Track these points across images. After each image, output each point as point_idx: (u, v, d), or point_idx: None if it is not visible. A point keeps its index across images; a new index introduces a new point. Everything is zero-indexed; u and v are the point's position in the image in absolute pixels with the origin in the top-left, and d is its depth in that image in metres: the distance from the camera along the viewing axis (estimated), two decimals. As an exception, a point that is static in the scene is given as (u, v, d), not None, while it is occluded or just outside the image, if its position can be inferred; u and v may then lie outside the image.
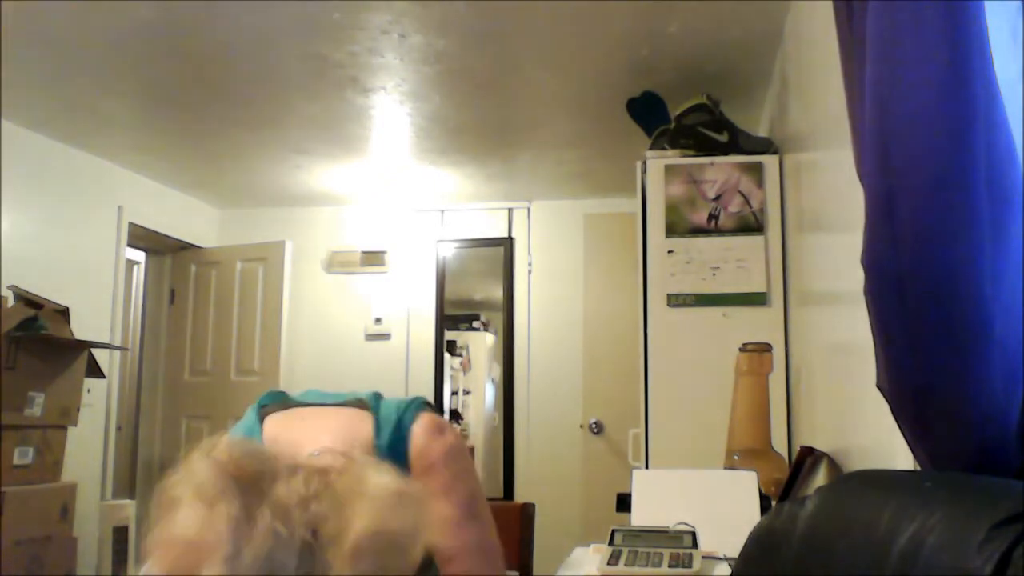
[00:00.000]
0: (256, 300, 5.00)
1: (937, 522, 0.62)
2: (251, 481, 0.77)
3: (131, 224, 4.53)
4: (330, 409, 1.22)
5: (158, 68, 3.15)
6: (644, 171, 2.88)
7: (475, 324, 5.53)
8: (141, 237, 4.83)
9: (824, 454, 1.93)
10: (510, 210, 5.17)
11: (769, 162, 2.80)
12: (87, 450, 4.14)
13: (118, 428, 4.69)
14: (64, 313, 3.58)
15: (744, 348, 2.15)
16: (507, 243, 5.14)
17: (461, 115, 3.65)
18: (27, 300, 3.46)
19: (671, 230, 2.79)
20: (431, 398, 5.02)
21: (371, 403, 1.21)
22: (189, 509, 0.75)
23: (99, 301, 4.29)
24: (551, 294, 5.05)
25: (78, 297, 3.96)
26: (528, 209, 5.15)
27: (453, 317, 5.30)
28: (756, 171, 2.79)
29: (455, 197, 5.09)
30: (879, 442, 1.41)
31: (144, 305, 5.32)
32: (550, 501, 4.55)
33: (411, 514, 0.79)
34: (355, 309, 5.22)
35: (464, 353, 5.55)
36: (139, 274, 5.43)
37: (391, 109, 3.58)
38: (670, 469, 2.50)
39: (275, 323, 4.92)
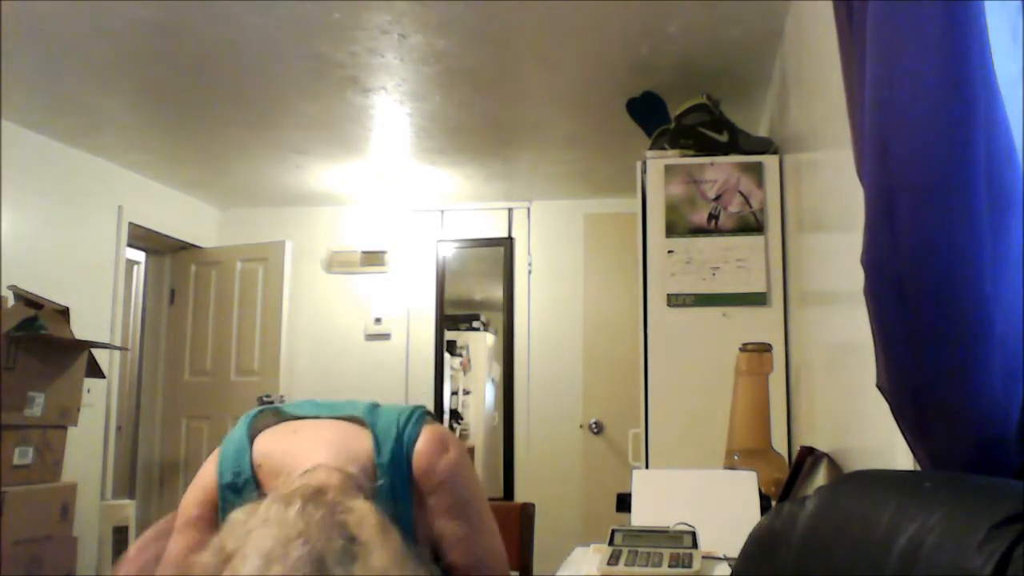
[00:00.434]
0: (256, 300, 5.00)
1: (937, 522, 0.62)
2: None
3: (131, 224, 4.53)
4: (325, 422, 1.19)
5: (158, 68, 3.15)
6: (644, 171, 2.88)
7: (475, 324, 5.53)
8: (141, 237, 4.83)
9: (824, 454, 1.93)
10: (510, 210, 5.17)
11: (769, 162, 2.80)
12: (87, 450, 4.14)
13: (118, 428, 4.69)
14: (64, 313, 3.58)
15: (744, 348, 2.15)
16: (507, 243, 5.14)
17: (461, 115, 3.65)
18: (27, 300, 3.46)
19: (671, 230, 2.79)
20: (431, 398, 5.03)
21: (367, 418, 1.18)
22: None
23: (99, 301, 4.29)
24: (551, 294, 5.05)
25: (78, 297, 3.96)
26: (528, 209, 5.15)
27: (453, 317, 5.30)
28: (756, 171, 2.79)
29: (455, 197, 5.09)
30: (879, 442, 1.41)
31: (144, 305, 5.32)
32: (550, 501, 4.55)
33: None
34: (355, 309, 5.22)
35: (464, 353, 5.55)
36: (139, 274, 5.43)
37: (391, 109, 3.58)
38: (670, 469, 2.50)
39: (275, 323, 4.92)
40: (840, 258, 1.76)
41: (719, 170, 2.80)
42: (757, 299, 2.71)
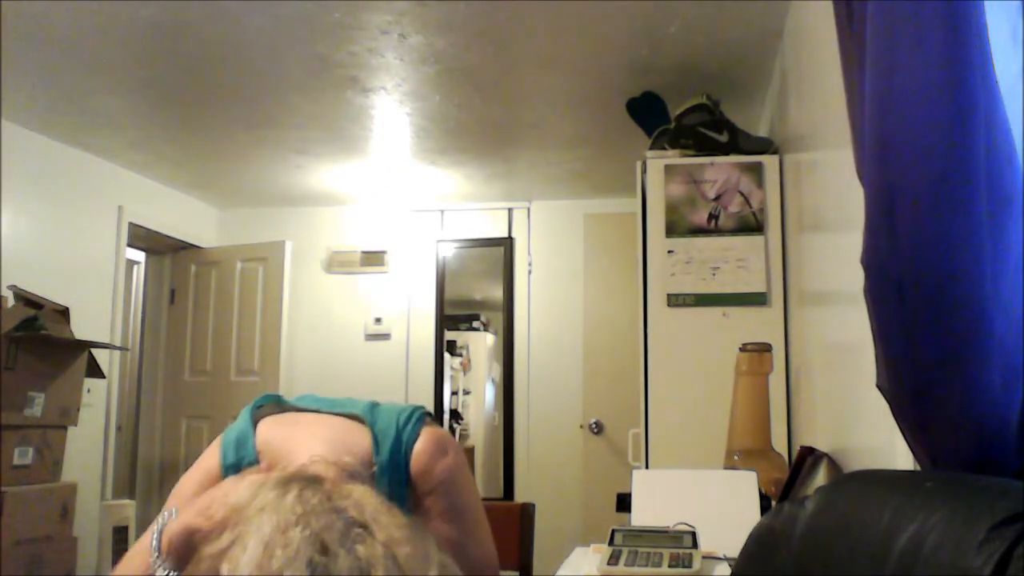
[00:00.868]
0: (256, 300, 5.00)
1: (937, 522, 0.62)
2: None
3: (131, 224, 4.53)
4: (325, 416, 1.19)
5: (158, 68, 3.15)
6: (644, 171, 2.89)
7: (475, 324, 5.53)
8: (141, 237, 4.83)
9: (824, 454, 1.92)
10: (510, 210, 5.17)
11: (769, 162, 2.80)
12: (87, 450, 4.14)
13: (118, 428, 4.69)
14: (64, 313, 3.58)
15: (744, 348, 2.15)
16: (507, 243, 5.14)
17: (461, 115, 3.65)
18: (27, 300, 3.46)
19: (671, 230, 2.79)
20: (431, 398, 5.03)
21: (367, 416, 1.18)
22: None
23: (99, 301, 4.29)
24: (551, 294, 5.05)
25: (78, 297, 3.96)
26: (528, 209, 5.15)
27: (453, 317, 5.31)
28: (756, 171, 2.79)
29: (455, 197, 5.09)
30: (879, 442, 1.41)
31: (144, 305, 5.32)
32: (550, 501, 4.56)
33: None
34: (355, 309, 5.22)
35: (464, 353, 5.55)
36: (139, 274, 5.43)
37: (391, 109, 3.58)
38: (670, 469, 2.50)
39: (275, 323, 4.93)
40: (840, 258, 1.76)
41: (719, 170, 2.80)
42: (757, 299, 2.71)
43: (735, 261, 2.74)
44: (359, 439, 1.15)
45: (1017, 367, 0.77)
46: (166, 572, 0.85)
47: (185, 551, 0.82)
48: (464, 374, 5.57)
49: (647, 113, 3.23)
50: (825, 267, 2.02)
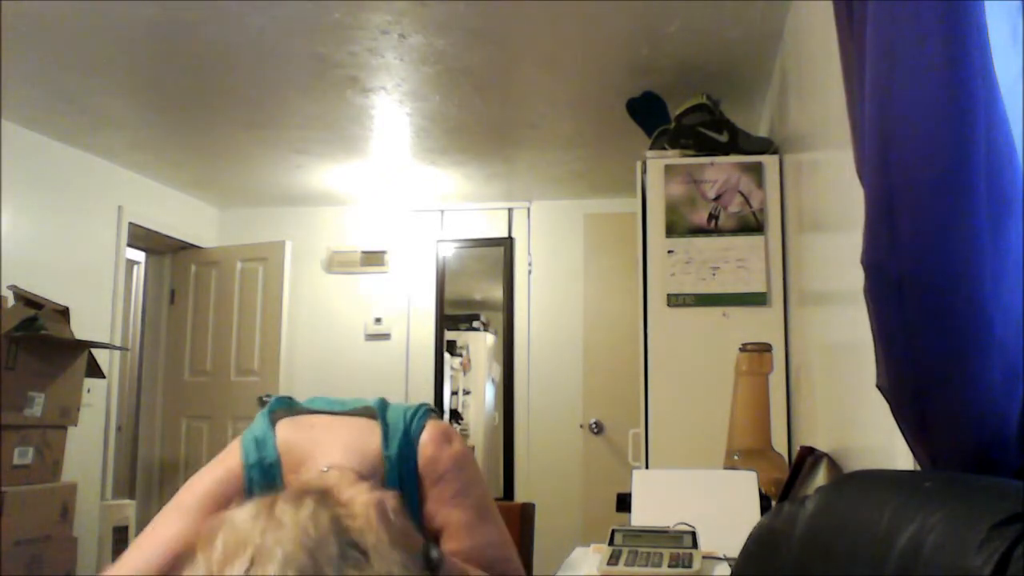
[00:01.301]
0: (256, 300, 5.00)
1: (937, 522, 0.62)
2: None
3: (131, 224, 4.53)
4: (339, 419, 1.22)
5: (158, 68, 3.15)
6: (644, 171, 2.88)
7: (475, 324, 5.53)
8: (141, 237, 4.83)
9: (824, 454, 1.92)
10: (510, 210, 5.17)
11: (769, 162, 2.80)
12: (87, 450, 4.14)
13: (118, 428, 4.69)
14: (64, 313, 3.58)
15: (744, 348, 2.15)
16: (507, 243, 5.14)
17: (461, 115, 3.65)
18: (27, 300, 3.46)
19: (671, 230, 2.78)
20: (431, 398, 5.03)
21: (379, 409, 1.21)
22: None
23: (99, 301, 4.29)
24: (551, 294, 5.05)
25: (78, 297, 3.96)
26: (528, 209, 5.15)
27: (453, 317, 5.30)
28: (756, 171, 2.79)
29: (455, 197, 5.09)
30: (879, 442, 1.41)
31: (144, 305, 5.32)
32: (550, 501, 4.55)
33: None
34: (355, 309, 5.22)
35: (464, 353, 5.55)
36: (139, 274, 5.43)
37: (391, 109, 3.58)
38: (670, 469, 2.50)
39: (275, 323, 4.93)
40: (840, 258, 1.76)
41: (719, 170, 2.80)
42: (757, 299, 2.71)
43: (735, 261, 2.74)
44: (371, 438, 1.18)
45: (1017, 367, 0.77)
46: None
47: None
48: (464, 374, 5.57)
49: (647, 113, 3.23)
50: (825, 267, 2.02)
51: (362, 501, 0.87)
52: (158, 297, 5.27)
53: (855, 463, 1.63)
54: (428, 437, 1.18)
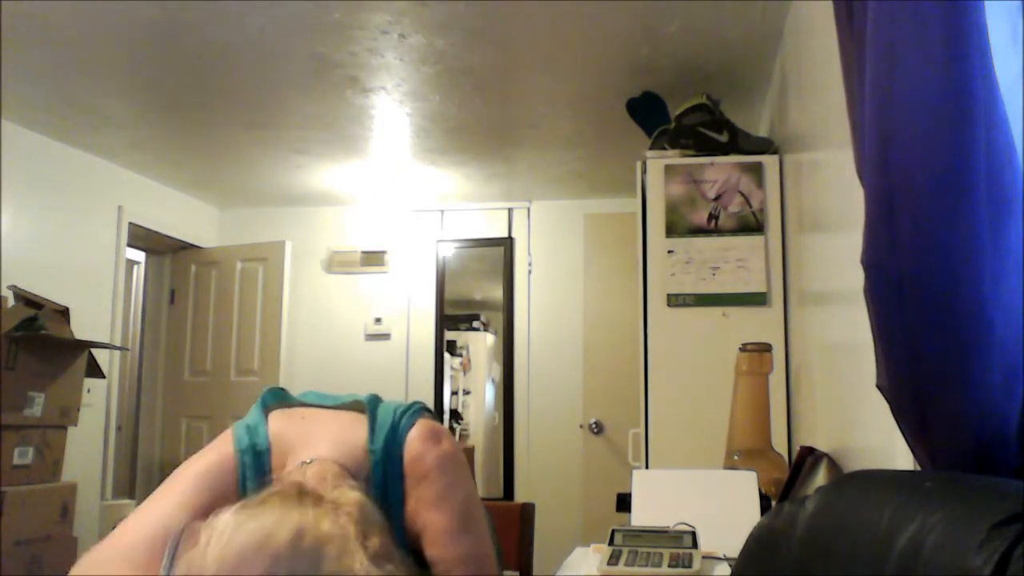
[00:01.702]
0: (256, 300, 5.00)
1: (937, 522, 0.62)
2: None
3: (131, 224, 4.53)
4: (329, 412, 1.21)
5: (158, 68, 3.15)
6: (644, 171, 2.88)
7: (475, 324, 5.53)
8: (141, 237, 4.83)
9: (824, 454, 1.92)
10: (510, 210, 5.17)
11: (769, 162, 2.80)
12: (87, 450, 4.14)
13: (118, 428, 4.69)
14: (64, 313, 3.58)
15: (744, 348, 2.15)
16: (507, 243, 5.14)
17: (461, 115, 3.65)
18: (27, 300, 3.46)
19: (671, 230, 2.79)
20: (431, 398, 5.03)
21: (368, 405, 1.20)
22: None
23: (99, 301, 4.29)
24: (551, 294, 5.06)
25: (78, 297, 3.97)
26: (528, 209, 5.15)
27: (453, 317, 5.30)
28: (756, 171, 2.79)
29: (455, 197, 5.09)
30: (879, 442, 1.41)
31: (144, 305, 5.32)
32: (550, 501, 4.56)
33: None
34: (355, 309, 5.22)
35: (464, 353, 5.55)
36: (139, 274, 5.43)
37: (391, 109, 3.58)
38: (670, 469, 2.50)
39: (275, 323, 4.93)
40: (840, 258, 1.76)
41: (719, 170, 2.80)
42: (757, 299, 2.71)
43: (735, 261, 2.74)
44: (358, 432, 1.16)
45: (1017, 367, 0.77)
46: None
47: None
48: (464, 374, 5.57)
49: (647, 113, 3.22)
50: (825, 267, 2.02)
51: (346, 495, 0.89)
52: (158, 297, 5.27)
53: (855, 463, 1.63)
54: (416, 434, 1.15)
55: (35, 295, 3.51)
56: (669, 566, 1.41)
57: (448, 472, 1.14)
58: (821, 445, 1.98)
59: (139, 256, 5.32)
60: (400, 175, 4.63)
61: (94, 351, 3.72)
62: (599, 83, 3.26)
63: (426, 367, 5.11)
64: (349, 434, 1.16)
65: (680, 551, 1.45)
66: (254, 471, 1.12)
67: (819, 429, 2.12)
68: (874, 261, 0.86)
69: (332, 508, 0.89)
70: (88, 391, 3.91)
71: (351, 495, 0.91)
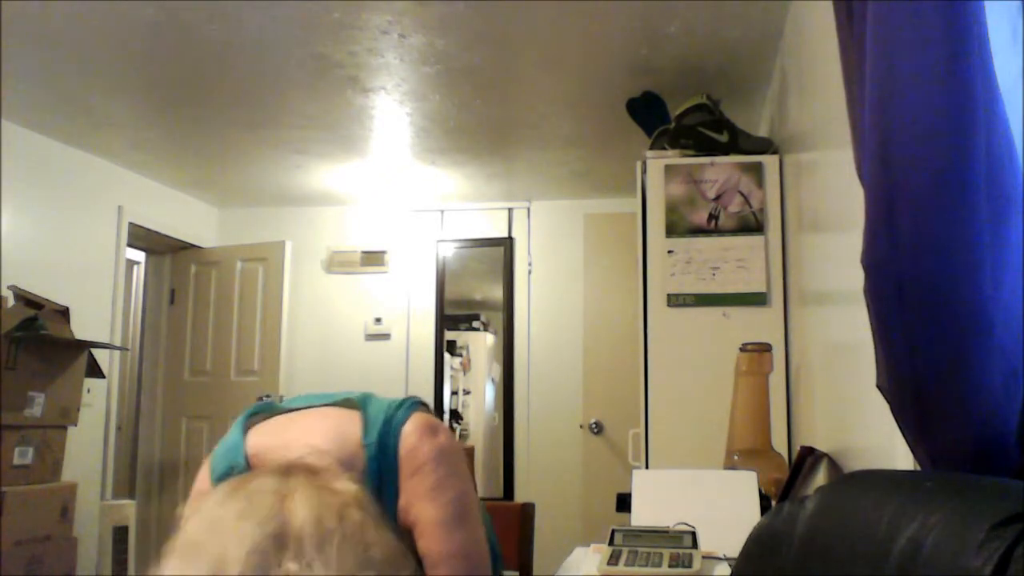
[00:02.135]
0: (256, 300, 5.00)
1: (937, 522, 0.62)
2: None
3: (131, 224, 4.53)
4: (319, 410, 1.19)
5: (158, 68, 3.15)
6: (644, 171, 2.88)
7: (475, 324, 5.53)
8: (141, 237, 4.83)
9: (824, 454, 1.93)
10: (510, 210, 5.17)
11: (769, 162, 2.80)
12: (87, 450, 4.14)
13: (118, 428, 4.69)
14: (64, 313, 3.58)
15: (744, 348, 2.15)
16: (507, 243, 5.14)
17: (461, 115, 3.65)
18: (27, 300, 3.46)
19: (671, 230, 2.79)
20: (431, 398, 5.03)
21: (359, 402, 1.18)
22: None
23: (99, 301, 4.29)
24: (551, 294, 5.06)
25: (78, 297, 3.97)
26: (528, 209, 5.15)
27: (453, 317, 5.30)
28: (756, 171, 2.79)
29: (455, 197, 5.09)
30: (879, 442, 1.41)
31: (144, 305, 5.32)
32: (550, 501, 4.56)
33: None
34: (355, 309, 5.22)
35: (464, 353, 5.55)
36: (139, 274, 5.43)
37: (391, 109, 3.58)
38: (670, 469, 2.50)
39: (275, 323, 4.93)
40: (840, 258, 1.76)
41: (719, 170, 2.80)
42: (757, 299, 2.71)
43: (735, 261, 2.74)
44: (351, 426, 1.14)
45: (1017, 367, 0.77)
46: None
47: None
48: (464, 374, 5.57)
49: (647, 113, 3.23)
50: (825, 267, 2.02)
51: (343, 484, 0.86)
52: (158, 297, 5.27)
53: (855, 463, 1.63)
54: (411, 427, 1.13)
55: (35, 295, 3.51)
56: (669, 566, 1.41)
57: (443, 465, 1.12)
58: (821, 445, 1.98)
59: (139, 256, 5.32)
60: (400, 175, 4.63)
61: (94, 351, 3.72)
62: (599, 83, 3.26)
63: (426, 367, 5.11)
64: (342, 429, 1.13)
65: (680, 551, 1.45)
66: None
67: (819, 429, 2.12)
68: (874, 261, 0.86)
69: (326, 485, 0.85)
70: (88, 391, 3.91)
71: (349, 486, 0.87)
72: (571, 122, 3.76)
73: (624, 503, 1.76)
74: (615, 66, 3.09)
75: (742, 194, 2.78)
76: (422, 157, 4.29)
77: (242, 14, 2.68)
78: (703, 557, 1.45)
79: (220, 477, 1.10)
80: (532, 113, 3.65)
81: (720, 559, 1.52)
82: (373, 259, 5.24)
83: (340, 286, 5.27)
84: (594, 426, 4.86)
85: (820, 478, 1.92)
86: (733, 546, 1.04)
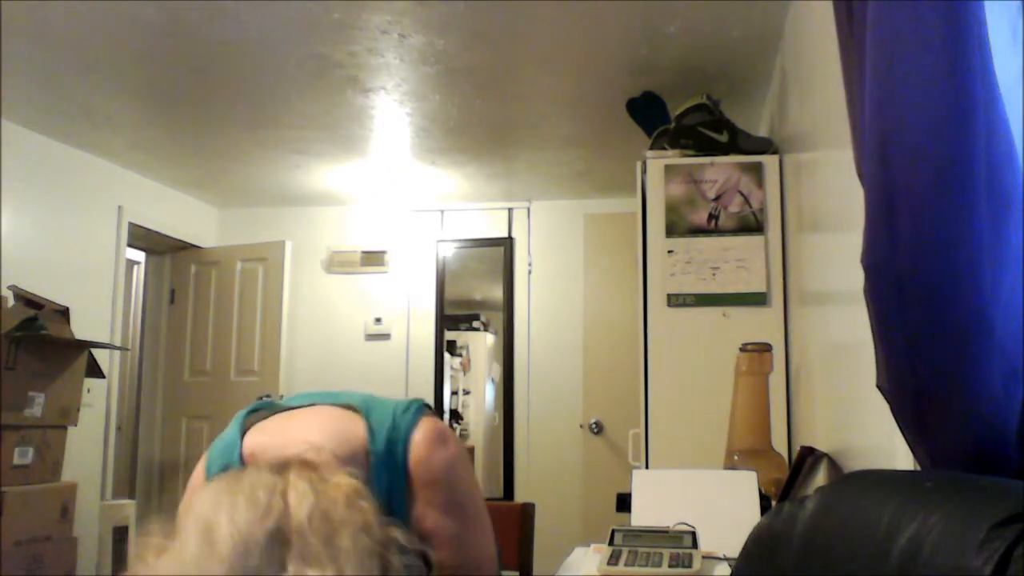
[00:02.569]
0: (256, 300, 5.00)
1: (937, 522, 0.62)
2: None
3: (131, 224, 4.53)
4: (317, 409, 1.17)
5: (158, 68, 3.15)
6: (644, 171, 2.88)
7: (475, 324, 5.53)
8: (141, 237, 4.83)
9: (824, 454, 1.93)
10: (510, 210, 5.17)
11: (769, 162, 2.80)
12: (87, 450, 4.14)
13: (118, 428, 4.69)
14: (64, 313, 3.58)
15: (744, 348, 2.15)
16: (507, 243, 5.14)
17: (461, 115, 3.65)
18: (27, 300, 3.46)
19: (671, 230, 2.79)
20: (431, 398, 5.03)
21: (361, 406, 1.15)
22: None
23: (99, 301, 4.29)
24: (551, 294, 5.06)
25: (78, 297, 3.96)
26: (528, 209, 5.15)
27: (453, 317, 5.30)
28: (756, 171, 2.79)
29: (455, 197, 5.09)
30: (879, 442, 1.41)
31: (144, 305, 5.32)
32: (550, 501, 4.55)
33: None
34: (355, 309, 5.22)
35: (464, 353, 5.55)
36: (139, 274, 5.43)
37: (391, 109, 3.58)
38: (670, 469, 2.50)
39: (275, 323, 4.93)
40: (840, 258, 1.76)
41: (719, 170, 2.80)
42: (757, 299, 2.71)
43: (735, 261, 2.74)
44: (355, 428, 1.12)
45: (1017, 367, 0.77)
46: None
47: None
48: (464, 374, 5.57)
49: (647, 113, 3.23)
50: (825, 267, 2.02)
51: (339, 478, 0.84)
52: (158, 297, 5.27)
53: (855, 463, 1.63)
54: (421, 436, 1.12)
55: (35, 295, 3.51)
56: (669, 566, 1.41)
57: (458, 476, 1.13)
58: (821, 445, 1.98)
59: (139, 256, 5.32)
60: (400, 175, 4.63)
61: (94, 351, 3.72)
62: (599, 83, 3.26)
63: (426, 367, 5.11)
64: (343, 428, 1.12)
65: (680, 551, 1.45)
66: None
67: (819, 429, 2.12)
68: (874, 261, 0.86)
69: (326, 479, 0.82)
70: (88, 391, 3.91)
71: (350, 479, 0.84)
72: (571, 122, 3.76)
73: (624, 503, 1.76)
74: (615, 66, 3.09)
75: (742, 194, 2.78)
76: (422, 157, 4.29)
77: (242, 14, 2.68)
78: (703, 557, 1.45)
79: (213, 475, 1.08)
80: (532, 113, 3.65)
81: (720, 559, 1.52)
82: (373, 259, 5.24)
83: (340, 286, 5.27)
84: (594, 426, 4.86)
85: (820, 478, 1.92)
86: (733, 546, 1.04)
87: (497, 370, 5.21)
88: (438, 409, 5.09)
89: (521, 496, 4.83)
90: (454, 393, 5.41)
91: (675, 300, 2.75)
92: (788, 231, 2.70)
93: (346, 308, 5.23)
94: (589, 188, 4.85)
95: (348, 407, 1.16)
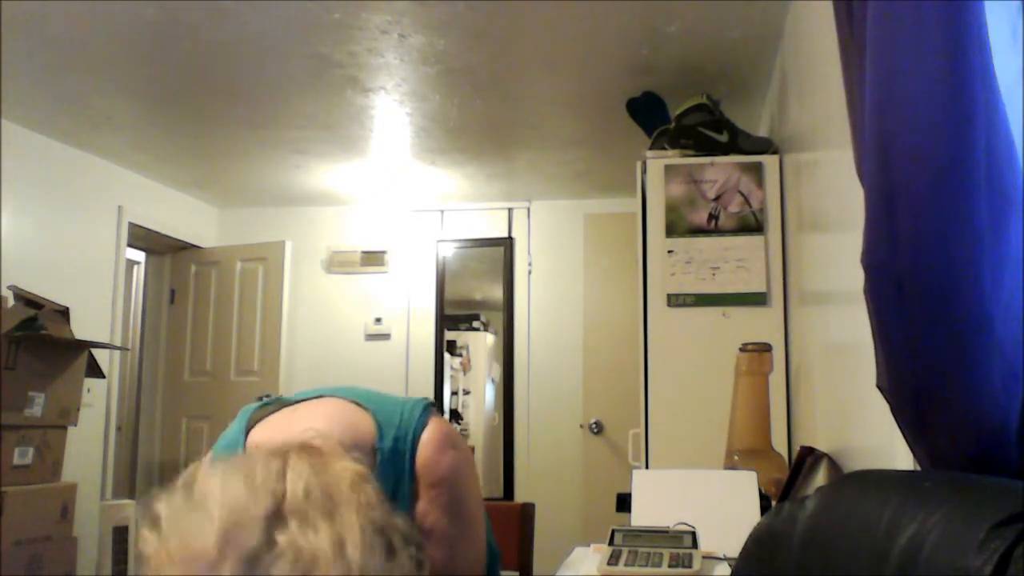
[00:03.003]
0: (256, 300, 5.00)
1: (937, 522, 0.62)
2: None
3: (131, 224, 4.53)
4: (322, 400, 1.18)
5: (158, 67, 3.15)
6: (644, 171, 2.89)
7: (475, 324, 5.53)
8: (141, 237, 4.83)
9: (824, 454, 1.93)
10: (510, 210, 5.17)
11: (769, 162, 2.80)
12: (87, 450, 4.14)
13: (118, 428, 4.69)
14: (64, 313, 3.58)
15: (744, 348, 2.14)
16: (507, 243, 5.14)
17: (461, 115, 3.65)
18: (27, 300, 3.46)
19: (671, 230, 2.79)
20: (431, 398, 5.02)
21: (366, 402, 1.16)
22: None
23: (99, 301, 4.29)
24: (551, 294, 5.06)
25: (78, 297, 3.96)
26: (528, 209, 5.15)
27: (453, 317, 5.30)
28: (756, 171, 2.79)
29: (455, 197, 5.09)
30: (879, 442, 1.41)
31: (144, 305, 5.32)
32: (550, 501, 4.55)
33: None
34: (355, 309, 5.22)
35: (464, 353, 5.55)
36: (139, 274, 5.43)
37: (391, 109, 3.58)
38: (670, 469, 2.50)
39: (275, 323, 4.93)
40: (840, 258, 1.76)
41: (719, 170, 2.80)
42: (757, 299, 2.71)
43: (735, 261, 2.74)
44: (362, 422, 1.13)
45: (1017, 367, 0.77)
46: None
47: None
48: (464, 374, 5.57)
49: (647, 113, 3.23)
50: (825, 267, 2.02)
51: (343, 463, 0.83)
52: (158, 297, 5.27)
53: (855, 463, 1.63)
54: (429, 438, 1.14)
55: (35, 295, 3.51)
56: (669, 566, 1.41)
57: (461, 481, 1.16)
58: (821, 445, 1.98)
59: (139, 256, 5.32)
60: (400, 175, 4.63)
61: (94, 351, 3.72)
62: (599, 83, 3.26)
63: (426, 367, 5.11)
64: (349, 418, 1.13)
65: (680, 551, 1.45)
66: None
67: (819, 429, 2.12)
68: (874, 261, 0.86)
69: (329, 463, 0.81)
70: (88, 391, 3.91)
71: (355, 464, 0.83)
72: (571, 122, 3.76)
73: (624, 503, 1.76)
74: (615, 66, 3.09)
75: (742, 194, 2.78)
76: (422, 157, 4.29)
77: (242, 14, 2.68)
78: (703, 557, 1.45)
79: None
80: (532, 113, 3.65)
81: (720, 559, 1.52)
82: (373, 259, 5.24)
83: (340, 286, 5.27)
84: (594, 426, 4.86)
85: (820, 478, 1.92)
86: (733, 546, 1.04)
87: (497, 370, 5.21)
88: (439, 410, 5.08)
89: (521, 496, 4.83)
90: (454, 393, 5.41)
91: (675, 300, 2.75)
92: (788, 231, 2.70)
93: (346, 308, 5.23)
94: (589, 188, 4.85)
95: (355, 402, 1.17)
